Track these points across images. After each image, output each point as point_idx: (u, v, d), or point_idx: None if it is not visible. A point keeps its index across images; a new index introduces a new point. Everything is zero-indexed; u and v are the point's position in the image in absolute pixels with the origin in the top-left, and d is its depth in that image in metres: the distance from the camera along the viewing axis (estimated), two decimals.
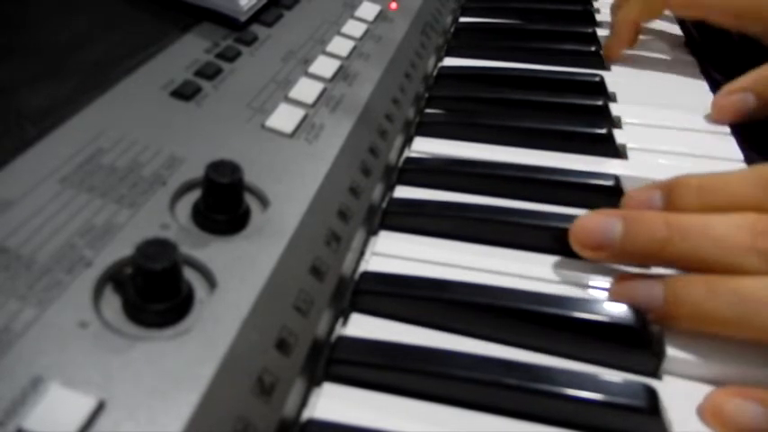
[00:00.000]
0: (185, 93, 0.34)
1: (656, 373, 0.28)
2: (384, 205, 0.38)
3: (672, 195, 0.32)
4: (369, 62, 0.44)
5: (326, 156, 0.34)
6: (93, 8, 0.39)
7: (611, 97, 0.48)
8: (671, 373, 0.28)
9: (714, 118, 0.45)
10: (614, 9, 0.56)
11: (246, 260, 0.26)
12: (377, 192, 0.37)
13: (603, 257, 0.32)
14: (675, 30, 0.58)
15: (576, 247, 0.32)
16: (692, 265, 0.29)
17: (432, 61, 0.52)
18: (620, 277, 0.32)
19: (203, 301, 0.24)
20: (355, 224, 0.33)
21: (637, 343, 0.29)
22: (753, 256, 0.27)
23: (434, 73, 0.52)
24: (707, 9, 0.48)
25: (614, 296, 0.30)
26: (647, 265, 0.32)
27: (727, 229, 0.28)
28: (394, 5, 0.52)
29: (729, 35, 0.53)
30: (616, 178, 0.38)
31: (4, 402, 0.19)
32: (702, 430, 0.26)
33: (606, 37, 0.55)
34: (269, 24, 0.43)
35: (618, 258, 0.32)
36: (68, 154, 0.28)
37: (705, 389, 0.27)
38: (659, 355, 0.28)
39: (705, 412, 0.26)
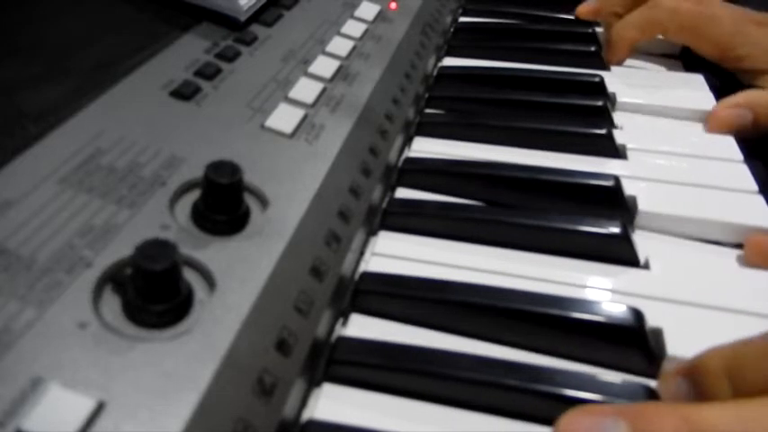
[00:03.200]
0: (185, 93, 0.34)
1: (656, 375, 0.28)
2: (384, 205, 0.38)
3: (699, 387, 0.25)
4: (369, 62, 0.44)
5: (326, 156, 0.34)
6: (94, 8, 0.39)
7: (611, 97, 0.48)
8: None
9: (710, 129, 0.45)
10: (606, 24, 0.57)
11: (246, 261, 0.26)
12: (377, 192, 0.37)
13: None
14: None
15: None
16: None
17: (431, 61, 0.52)
18: None
19: (203, 301, 0.24)
20: (355, 224, 0.33)
21: (635, 343, 0.29)
22: None
23: (434, 73, 0.52)
24: (699, 38, 0.51)
25: None
26: None
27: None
28: (394, 5, 0.52)
29: None
30: (616, 178, 0.38)
31: (4, 403, 0.19)
32: None
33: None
34: (269, 24, 0.43)
35: None
36: (68, 154, 0.28)
37: None
38: (659, 356, 0.28)
39: None
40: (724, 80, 0.51)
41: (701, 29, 0.50)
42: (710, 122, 0.45)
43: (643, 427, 0.22)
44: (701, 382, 0.25)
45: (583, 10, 0.58)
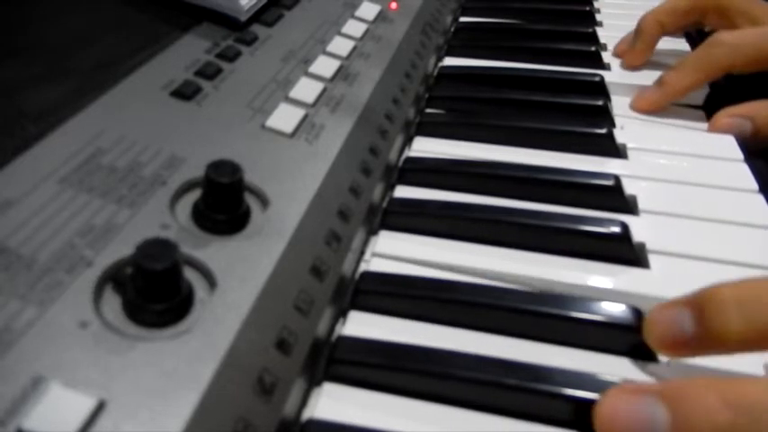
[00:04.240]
0: (185, 93, 0.34)
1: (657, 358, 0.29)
2: (384, 205, 0.38)
3: (705, 316, 0.25)
4: (369, 62, 0.44)
5: (327, 156, 0.34)
6: (94, 8, 0.39)
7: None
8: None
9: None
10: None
11: (247, 260, 0.26)
12: (377, 191, 0.37)
13: None
14: None
15: None
16: None
17: (432, 61, 0.52)
18: None
19: (203, 300, 0.24)
20: (355, 224, 0.33)
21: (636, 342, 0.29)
22: None
23: (435, 73, 0.52)
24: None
25: None
26: None
27: None
28: (394, 5, 0.52)
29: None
30: (616, 178, 0.38)
31: (5, 402, 0.19)
32: None
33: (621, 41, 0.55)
34: (269, 24, 0.43)
35: None
36: (68, 154, 0.28)
37: (709, 372, 0.27)
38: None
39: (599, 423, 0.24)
40: (726, 77, 0.51)
41: None
42: (710, 129, 0.45)
43: (683, 409, 0.22)
44: (707, 311, 0.25)
45: (644, 104, 0.48)
